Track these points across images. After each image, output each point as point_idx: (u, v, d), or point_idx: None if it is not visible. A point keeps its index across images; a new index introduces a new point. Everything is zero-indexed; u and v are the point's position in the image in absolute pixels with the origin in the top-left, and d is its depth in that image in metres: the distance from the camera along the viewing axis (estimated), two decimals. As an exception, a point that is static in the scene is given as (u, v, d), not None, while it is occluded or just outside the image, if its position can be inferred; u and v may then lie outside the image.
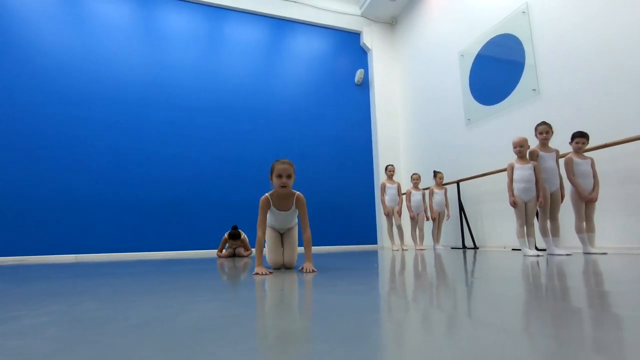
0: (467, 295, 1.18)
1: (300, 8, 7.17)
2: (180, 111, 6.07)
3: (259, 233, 2.20)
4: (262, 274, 1.96)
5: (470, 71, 5.59)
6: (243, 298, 1.20)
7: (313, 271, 2.04)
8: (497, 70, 5.10)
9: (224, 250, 4.67)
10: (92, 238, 5.28)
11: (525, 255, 3.17)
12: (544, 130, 3.49)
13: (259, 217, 2.24)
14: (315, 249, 6.29)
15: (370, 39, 7.58)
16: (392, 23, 7.81)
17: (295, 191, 2.35)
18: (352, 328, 0.72)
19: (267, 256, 2.45)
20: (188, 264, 3.19)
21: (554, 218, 3.43)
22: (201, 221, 5.84)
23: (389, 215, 5.56)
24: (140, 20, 6.13)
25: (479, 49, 5.43)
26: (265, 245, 2.40)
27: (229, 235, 4.50)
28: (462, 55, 5.76)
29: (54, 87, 5.45)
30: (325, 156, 6.86)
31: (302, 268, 2.11)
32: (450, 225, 5.63)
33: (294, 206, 2.36)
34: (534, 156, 3.50)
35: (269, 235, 2.48)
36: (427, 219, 5.48)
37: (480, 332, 0.68)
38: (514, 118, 4.74)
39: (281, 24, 7.08)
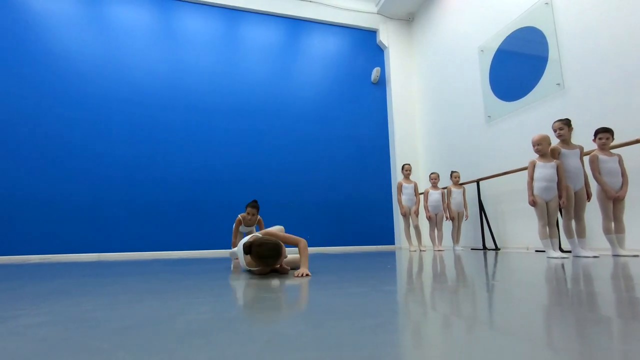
0: (487, 301, 1.10)
1: (316, 7, 7.13)
2: (197, 113, 6.14)
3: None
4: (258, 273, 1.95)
5: (491, 67, 5.40)
6: (243, 300, 1.16)
7: (307, 275, 1.83)
8: (518, 65, 4.90)
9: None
10: (114, 238, 5.40)
11: (549, 257, 3.02)
12: (558, 127, 3.34)
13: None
14: (332, 249, 6.24)
15: (387, 36, 7.46)
16: (409, 20, 7.67)
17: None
18: (347, 335, 0.67)
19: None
20: (202, 264, 3.20)
21: (579, 218, 3.26)
22: (219, 221, 5.88)
23: (405, 215, 5.45)
24: (158, 23, 6.24)
25: (499, 43, 5.25)
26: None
27: (248, 205, 3.76)
28: (482, 51, 5.58)
29: (77, 91, 5.61)
30: (342, 156, 6.80)
31: (296, 274, 1.87)
32: (470, 226, 5.46)
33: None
34: (555, 154, 3.34)
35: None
36: (447, 219, 5.35)
37: (499, 342, 0.61)
38: (537, 114, 4.54)
39: (297, 24, 7.06)
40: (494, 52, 5.35)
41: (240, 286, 1.52)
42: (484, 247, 5.02)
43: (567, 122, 3.35)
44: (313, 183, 6.53)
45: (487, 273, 1.94)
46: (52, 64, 5.56)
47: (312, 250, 6.18)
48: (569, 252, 3.60)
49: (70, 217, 5.27)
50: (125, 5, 6.10)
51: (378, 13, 7.48)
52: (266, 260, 1.81)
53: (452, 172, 5.37)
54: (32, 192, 5.17)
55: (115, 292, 1.40)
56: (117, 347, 0.64)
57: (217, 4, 6.58)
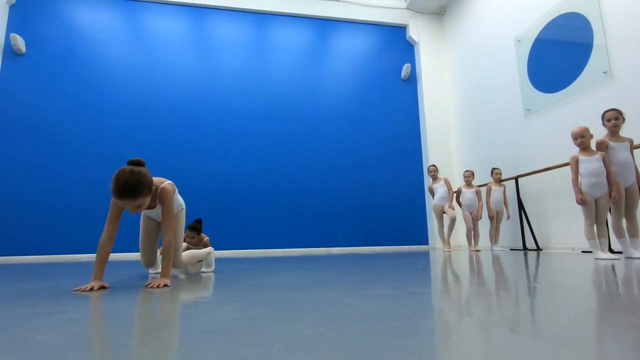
0: (528, 305, 1.03)
1: (344, 7, 7.10)
2: (231, 114, 6.31)
3: (102, 237, 1.59)
4: (84, 290, 1.45)
5: (529, 57, 5.12)
6: (268, 299, 1.17)
7: (165, 285, 1.54)
8: (560, 54, 4.61)
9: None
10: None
11: (596, 259, 2.81)
12: (613, 116, 3.07)
13: (108, 215, 1.60)
14: (363, 249, 6.18)
15: (417, 31, 7.29)
16: (440, 13, 7.45)
17: (160, 181, 1.75)
18: (368, 337, 0.65)
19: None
20: (235, 263, 3.27)
21: (631, 216, 3.00)
22: (253, 221, 6.00)
23: (439, 215, 5.38)
24: (192, 32, 6.47)
25: (538, 32, 4.97)
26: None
27: (188, 226, 3.62)
28: (519, 41, 5.31)
29: (120, 98, 5.94)
30: (373, 154, 6.72)
31: (149, 284, 1.56)
32: (508, 225, 5.21)
33: (158, 204, 1.74)
34: (602, 147, 3.09)
35: (141, 222, 1.98)
36: (480, 217, 5.14)
37: (541, 351, 0.57)
38: (582, 105, 4.25)
39: (325, 24, 7.07)
40: (532, 42, 5.07)
41: (267, 286, 1.53)
42: (524, 248, 4.77)
43: (620, 112, 3.10)
44: (344, 183, 6.51)
45: (527, 275, 1.83)
46: (98, 75, 5.93)
47: (345, 250, 6.15)
48: (620, 253, 3.33)
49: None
50: (161, 15, 6.38)
51: (407, 8, 7.33)
52: (122, 188, 1.47)
53: (493, 169, 5.13)
54: (82, 194, 5.53)
55: (151, 290, 1.46)
56: (142, 344, 0.66)
57: (248, 9, 6.73)
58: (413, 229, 6.63)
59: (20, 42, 5.55)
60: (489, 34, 6.03)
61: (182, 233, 2.08)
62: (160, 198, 1.70)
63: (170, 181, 1.80)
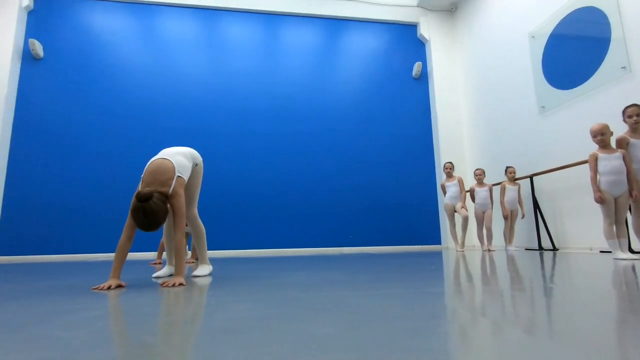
0: (544, 306, 1.02)
1: (354, 6, 7.08)
2: (244, 115, 6.35)
3: (121, 237, 1.67)
4: (102, 288, 1.51)
5: (543, 53, 5.02)
6: (278, 299, 1.18)
7: (180, 284, 1.59)
8: (576, 49, 4.51)
9: None
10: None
11: (616, 259, 2.74)
12: (635, 112, 2.98)
13: (127, 222, 1.67)
14: (375, 249, 6.15)
15: (428, 29, 7.22)
16: (451, 10, 7.36)
17: (167, 183, 1.73)
18: (377, 337, 0.65)
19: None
20: (248, 263, 3.30)
21: (652, 215, 2.92)
22: (263, 222, 6.04)
23: (450, 215, 5.30)
24: (204, 33, 6.54)
25: (553, 27, 4.86)
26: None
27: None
28: (533, 37, 5.20)
29: (134, 101, 6.05)
30: (385, 154, 6.68)
31: (164, 283, 1.62)
32: (523, 224, 5.12)
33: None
34: (623, 144, 3.01)
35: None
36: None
37: (558, 354, 0.56)
38: (599, 101, 4.15)
39: (335, 24, 7.07)
40: (546, 38, 4.96)
41: (278, 286, 1.54)
42: (540, 248, 4.68)
43: None
44: (356, 182, 6.50)
45: (543, 275, 1.80)
46: (112, 77, 6.05)
47: (356, 250, 6.14)
48: (641, 253, 3.24)
49: (130, 219, 5.67)
50: (173, 18, 6.47)
51: (418, 6, 7.26)
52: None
53: (507, 167, 5.05)
54: (98, 195, 5.65)
55: (166, 289, 1.49)
56: (161, 341, 0.68)
57: (258, 10, 6.77)
58: (425, 228, 6.57)
59: (38, 47, 5.70)
60: (502, 30, 5.93)
61: (198, 187, 2.14)
62: (170, 202, 1.71)
63: (180, 170, 1.80)
